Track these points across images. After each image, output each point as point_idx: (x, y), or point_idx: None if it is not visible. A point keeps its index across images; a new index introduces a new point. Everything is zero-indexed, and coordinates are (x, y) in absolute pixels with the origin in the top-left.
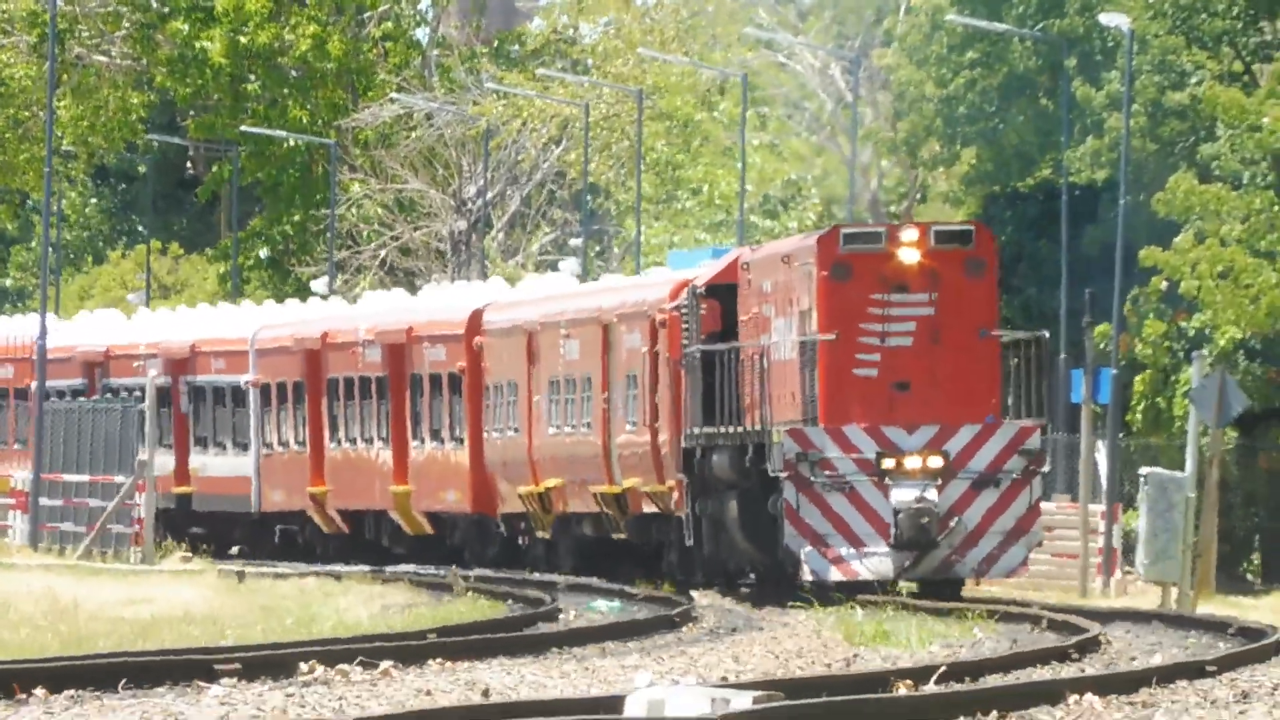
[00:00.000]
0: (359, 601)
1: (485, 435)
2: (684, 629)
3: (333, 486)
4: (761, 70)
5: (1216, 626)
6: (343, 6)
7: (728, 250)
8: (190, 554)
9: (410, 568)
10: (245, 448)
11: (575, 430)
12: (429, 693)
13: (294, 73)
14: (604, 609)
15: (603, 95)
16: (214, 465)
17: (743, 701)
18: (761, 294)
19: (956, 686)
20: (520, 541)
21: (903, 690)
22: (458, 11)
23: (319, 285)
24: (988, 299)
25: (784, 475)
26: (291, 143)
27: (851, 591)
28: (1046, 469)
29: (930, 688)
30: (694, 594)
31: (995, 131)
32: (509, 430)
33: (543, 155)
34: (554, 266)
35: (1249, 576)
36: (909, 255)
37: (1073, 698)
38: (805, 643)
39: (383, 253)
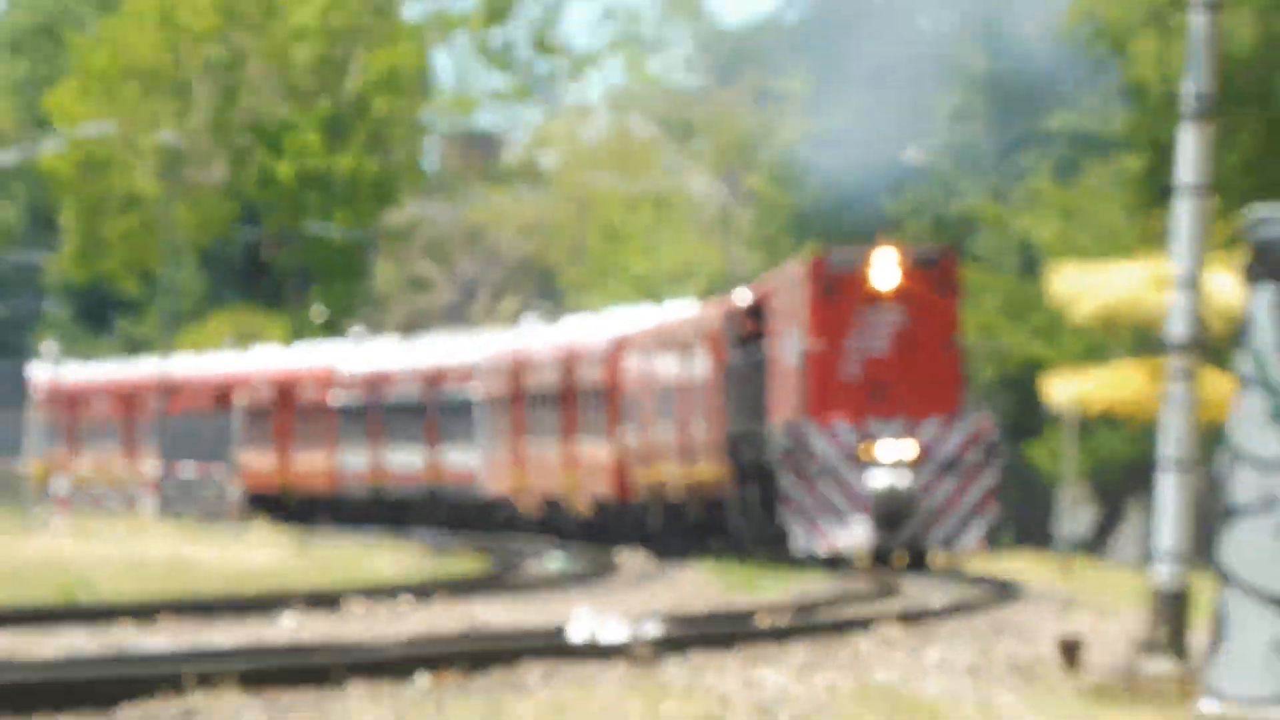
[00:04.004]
0: (387, 560)
1: (623, 435)
2: (612, 578)
3: (530, 477)
4: (668, 189)
5: (979, 581)
6: (375, 141)
7: (634, 309)
8: (270, 527)
9: (424, 533)
10: (475, 446)
11: (671, 429)
12: (435, 622)
13: (339, 188)
14: (556, 565)
15: (556, 204)
16: (455, 460)
17: (651, 628)
18: (777, 312)
19: (799, 619)
20: (650, 522)
21: (762, 621)
22: (455, 146)
23: (356, 334)
24: (953, 313)
25: (779, 463)
26: (337, 237)
27: (835, 562)
28: (1003, 458)
29: (781, 619)
30: (619, 553)
31: (832, 233)
32: (635, 430)
33: (514, 246)
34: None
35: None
36: (887, 276)
37: (880, 627)
38: (696, 589)
39: (401, 315)
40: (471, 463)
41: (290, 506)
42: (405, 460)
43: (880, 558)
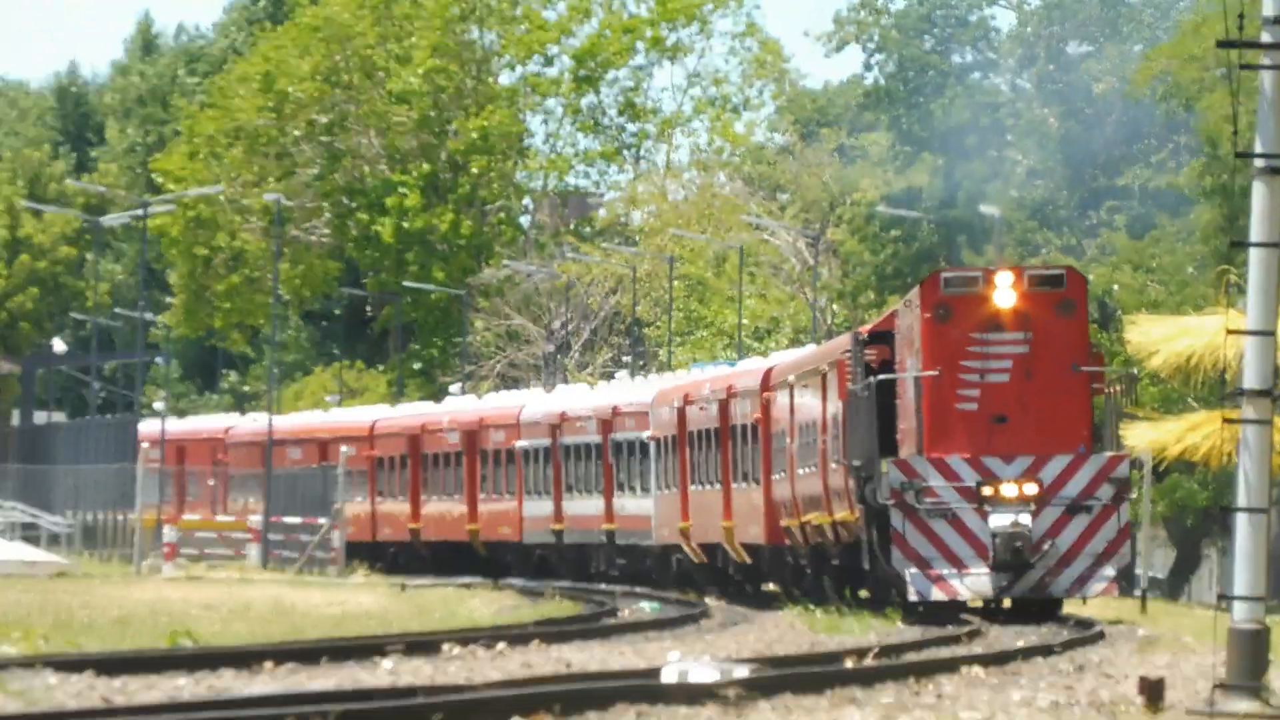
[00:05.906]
0: (483, 604)
1: (773, 477)
2: (702, 622)
3: (694, 522)
4: (753, 243)
5: (1060, 621)
6: (472, 200)
7: (724, 364)
8: (369, 573)
9: (519, 581)
10: (648, 491)
11: (811, 469)
12: (530, 665)
13: (438, 246)
14: (648, 609)
15: (645, 260)
16: (629, 505)
17: (741, 671)
18: (899, 341)
19: (885, 660)
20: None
21: (849, 663)
22: (548, 205)
23: (455, 389)
24: (1078, 337)
25: (891, 503)
26: (436, 294)
27: (953, 609)
28: (1134, 496)
29: (868, 661)
30: (707, 599)
31: (909, 288)
32: (782, 471)
33: (605, 301)
34: (610, 377)
35: None
36: (1005, 297)
37: (964, 668)
38: (784, 632)
39: (497, 368)
40: (645, 508)
41: (480, 555)
42: (584, 506)
43: (1005, 604)
